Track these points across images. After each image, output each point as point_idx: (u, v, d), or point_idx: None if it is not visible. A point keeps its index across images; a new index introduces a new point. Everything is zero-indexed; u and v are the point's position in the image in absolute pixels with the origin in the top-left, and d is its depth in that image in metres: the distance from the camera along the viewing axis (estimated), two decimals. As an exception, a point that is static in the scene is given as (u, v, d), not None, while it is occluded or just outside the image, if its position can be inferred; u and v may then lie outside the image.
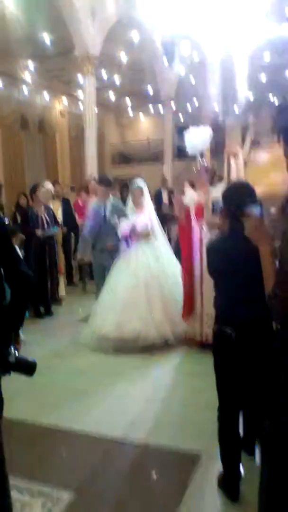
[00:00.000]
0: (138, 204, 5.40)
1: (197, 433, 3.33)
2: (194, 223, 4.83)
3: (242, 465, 2.66)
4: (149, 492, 2.83)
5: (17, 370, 2.00)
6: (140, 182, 5.43)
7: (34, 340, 5.53)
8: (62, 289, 7.39)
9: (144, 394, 4.04)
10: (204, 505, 2.67)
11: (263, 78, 15.35)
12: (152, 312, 5.00)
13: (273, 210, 2.78)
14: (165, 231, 6.33)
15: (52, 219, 6.62)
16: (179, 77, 14.97)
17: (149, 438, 3.32)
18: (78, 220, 8.20)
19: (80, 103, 14.06)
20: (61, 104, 16.82)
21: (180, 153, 18.99)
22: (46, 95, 15.51)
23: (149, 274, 5.12)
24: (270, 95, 18.13)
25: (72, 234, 8.34)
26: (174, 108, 16.43)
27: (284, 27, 11.21)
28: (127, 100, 18.50)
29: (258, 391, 2.42)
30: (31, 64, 12.58)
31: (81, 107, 12.10)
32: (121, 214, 5.50)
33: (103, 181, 5.82)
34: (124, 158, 21.84)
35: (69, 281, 8.38)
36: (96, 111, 10.39)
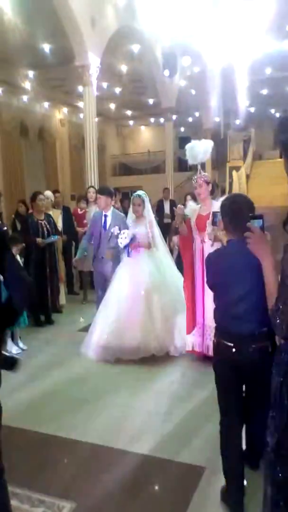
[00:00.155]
0: (138, 214, 5.44)
1: (200, 446, 3.31)
2: (195, 234, 4.85)
3: (246, 479, 2.64)
4: (152, 504, 2.79)
5: (1, 367, 2.06)
6: (140, 192, 5.47)
7: (34, 348, 5.55)
8: (62, 298, 7.40)
9: (146, 405, 4.02)
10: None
11: (264, 91, 15.50)
12: (153, 322, 5.01)
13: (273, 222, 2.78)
14: (166, 242, 6.35)
15: (52, 227, 6.65)
16: (180, 88, 15.08)
17: (152, 449, 3.30)
18: (77, 229, 8.24)
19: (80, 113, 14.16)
20: (61, 113, 16.93)
21: (181, 164, 19.17)
22: (46, 103, 15.62)
23: (149, 283, 5.13)
24: (272, 109, 18.30)
25: (73, 243, 8.37)
26: (174, 119, 16.51)
27: (285, 43, 11.37)
28: (128, 111, 18.63)
29: (260, 406, 2.40)
30: (31, 73, 12.70)
31: (82, 117, 12.19)
32: (122, 224, 5.54)
33: (104, 191, 5.84)
34: (125, 169, 21.98)
35: (70, 290, 8.38)
36: (97, 121, 10.45)
